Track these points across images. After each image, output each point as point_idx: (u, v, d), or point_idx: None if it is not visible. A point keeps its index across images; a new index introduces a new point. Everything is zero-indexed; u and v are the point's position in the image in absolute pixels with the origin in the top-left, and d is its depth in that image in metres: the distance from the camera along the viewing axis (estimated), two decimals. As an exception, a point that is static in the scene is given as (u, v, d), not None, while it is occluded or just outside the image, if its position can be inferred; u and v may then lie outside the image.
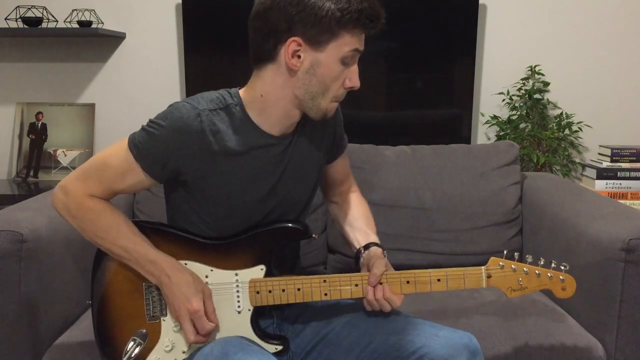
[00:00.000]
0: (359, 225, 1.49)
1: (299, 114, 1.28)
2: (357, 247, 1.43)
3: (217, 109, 1.25)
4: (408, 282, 1.31)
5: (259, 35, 1.22)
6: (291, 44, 1.19)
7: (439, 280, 1.31)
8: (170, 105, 1.25)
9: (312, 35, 1.18)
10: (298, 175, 1.36)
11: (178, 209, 1.35)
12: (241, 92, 1.30)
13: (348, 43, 1.20)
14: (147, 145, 1.24)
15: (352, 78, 1.25)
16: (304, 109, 1.26)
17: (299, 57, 1.20)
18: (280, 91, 1.24)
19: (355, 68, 1.25)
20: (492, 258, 1.33)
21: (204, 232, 1.33)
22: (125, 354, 1.29)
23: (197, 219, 1.33)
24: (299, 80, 1.22)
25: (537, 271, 1.33)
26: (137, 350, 1.29)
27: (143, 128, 1.26)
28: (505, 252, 1.35)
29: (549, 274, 1.33)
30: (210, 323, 1.25)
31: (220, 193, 1.29)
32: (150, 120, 1.25)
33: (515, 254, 1.36)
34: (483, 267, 1.32)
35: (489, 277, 1.32)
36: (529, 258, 1.34)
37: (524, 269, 1.33)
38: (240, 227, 1.32)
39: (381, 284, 1.30)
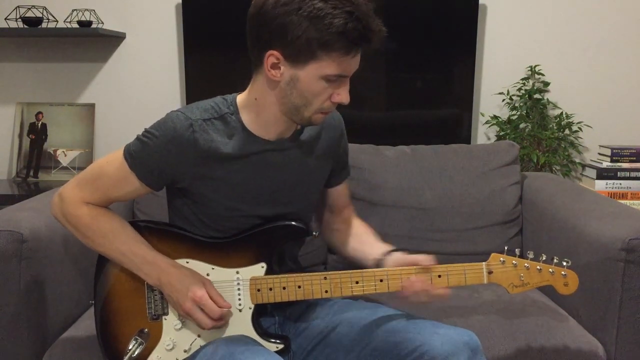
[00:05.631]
0: (371, 238, 1.47)
1: (289, 119, 1.28)
2: (379, 253, 1.38)
3: (211, 118, 1.26)
4: (409, 278, 1.31)
5: (249, 39, 1.22)
6: (270, 57, 1.18)
7: (439, 276, 1.31)
8: (166, 115, 1.26)
9: (290, 52, 1.16)
10: (296, 182, 1.36)
11: (179, 211, 1.36)
12: (240, 96, 1.31)
13: (329, 66, 1.16)
14: (141, 154, 1.26)
15: (342, 94, 1.21)
16: (289, 117, 1.26)
17: (280, 68, 1.19)
18: (270, 98, 1.24)
19: (345, 86, 1.22)
20: (493, 254, 1.33)
21: (204, 233, 1.34)
22: (127, 353, 1.30)
23: (198, 222, 1.34)
24: (282, 90, 1.21)
25: (538, 267, 1.33)
26: (138, 349, 1.30)
27: (138, 137, 1.27)
28: (506, 248, 1.35)
29: (550, 270, 1.33)
30: (220, 308, 1.25)
31: (218, 198, 1.29)
32: (145, 130, 1.27)
33: (517, 250, 1.36)
34: (484, 263, 1.32)
35: (490, 273, 1.32)
36: (531, 254, 1.34)
37: (525, 264, 1.33)
38: (240, 229, 1.33)
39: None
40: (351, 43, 1.15)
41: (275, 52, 1.17)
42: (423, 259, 1.30)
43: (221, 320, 1.26)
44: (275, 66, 1.19)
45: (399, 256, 1.35)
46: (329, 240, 1.55)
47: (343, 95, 1.22)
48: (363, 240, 1.47)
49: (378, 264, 1.36)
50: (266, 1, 1.16)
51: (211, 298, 1.25)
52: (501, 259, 1.33)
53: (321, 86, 1.19)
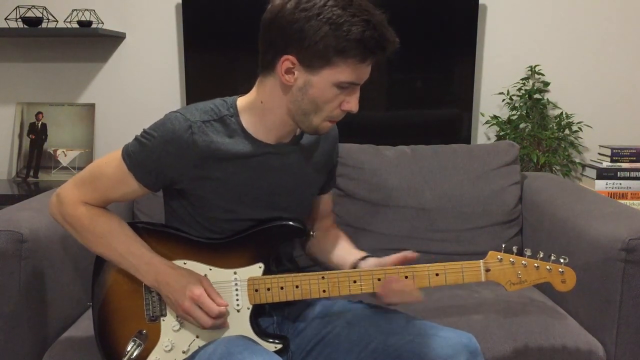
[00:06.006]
0: (348, 245, 1.47)
1: (295, 124, 1.28)
2: (355, 259, 1.39)
3: (210, 120, 1.26)
4: (406, 277, 1.31)
5: (262, 44, 1.23)
6: (285, 62, 1.19)
7: (437, 274, 1.31)
8: (164, 115, 1.26)
9: (306, 57, 1.17)
10: (294, 187, 1.37)
11: (175, 213, 1.36)
12: (241, 99, 1.31)
13: (344, 73, 1.18)
14: (140, 155, 1.26)
15: (351, 103, 1.23)
16: (296, 122, 1.27)
17: (294, 73, 1.20)
18: (278, 101, 1.25)
19: (355, 94, 1.23)
20: (490, 252, 1.34)
21: (201, 234, 1.34)
22: (125, 355, 1.30)
23: (195, 224, 1.34)
24: (293, 95, 1.22)
25: (535, 264, 1.33)
26: (137, 351, 1.30)
27: (136, 138, 1.27)
28: (503, 246, 1.35)
29: (547, 267, 1.33)
30: (219, 307, 1.25)
31: (216, 200, 1.30)
32: (144, 131, 1.27)
33: (514, 247, 1.36)
34: (481, 261, 1.33)
35: (487, 270, 1.33)
36: (528, 252, 1.35)
37: (523, 262, 1.33)
38: (236, 231, 1.33)
39: (406, 277, 1.30)
40: (367, 51, 1.16)
41: (290, 57, 1.18)
42: (403, 255, 1.31)
43: (220, 319, 1.26)
44: (289, 71, 1.19)
45: (373, 261, 1.36)
46: (308, 247, 1.54)
47: (353, 104, 1.23)
48: (341, 247, 1.48)
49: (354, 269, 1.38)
50: (284, 7, 1.16)
51: (209, 296, 1.25)
52: (498, 256, 1.33)
53: (333, 93, 1.20)
